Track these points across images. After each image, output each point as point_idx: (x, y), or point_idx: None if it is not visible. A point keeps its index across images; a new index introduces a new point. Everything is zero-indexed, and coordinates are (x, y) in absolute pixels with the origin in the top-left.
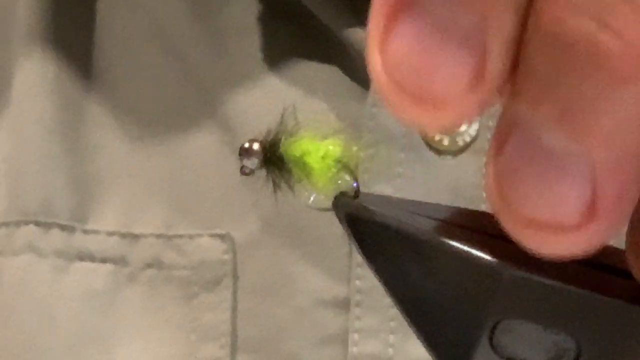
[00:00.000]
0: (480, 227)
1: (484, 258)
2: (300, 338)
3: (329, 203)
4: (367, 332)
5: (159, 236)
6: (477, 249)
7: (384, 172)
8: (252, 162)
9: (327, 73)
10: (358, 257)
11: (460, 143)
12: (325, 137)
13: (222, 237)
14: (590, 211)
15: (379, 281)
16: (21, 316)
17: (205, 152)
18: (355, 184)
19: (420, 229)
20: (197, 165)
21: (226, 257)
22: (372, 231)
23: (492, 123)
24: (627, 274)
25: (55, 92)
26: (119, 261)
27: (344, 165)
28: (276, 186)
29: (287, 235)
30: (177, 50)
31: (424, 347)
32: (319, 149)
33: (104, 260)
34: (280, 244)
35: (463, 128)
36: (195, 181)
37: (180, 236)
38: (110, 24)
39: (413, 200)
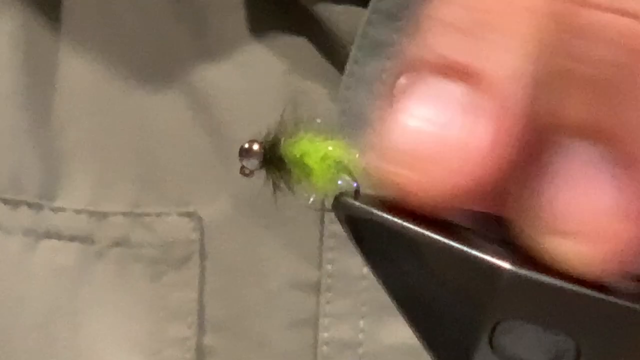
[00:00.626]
0: (480, 227)
1: (484, 258)
2: (269, 320)
3: (328, 204)
4: (338, 316)
5: (126, 214)
6: (477, 249)
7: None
8: (251, 163)
9: (303, 51)
10: (330, 241)
11: None
12: (325, 138)
13: (190, 215)
14: None
15: (379, 281)
16: None
17: (176, 128)
18: (355, 185)
19: (420, 229)
20: (167, 141)
21: (194, 235)
22: (372, 232)
23: None
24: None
25: (26, 65)
26: (87, 239)
27: (344, 166)
28: (276, 187)
29: (259, 215)
30: (152, 28)
31: (424, 347)
32: (318, 149)
33: (72, 239)
34: (252, 224)
35: None
36: (165, 157)
37: (148, 214)
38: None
39: None
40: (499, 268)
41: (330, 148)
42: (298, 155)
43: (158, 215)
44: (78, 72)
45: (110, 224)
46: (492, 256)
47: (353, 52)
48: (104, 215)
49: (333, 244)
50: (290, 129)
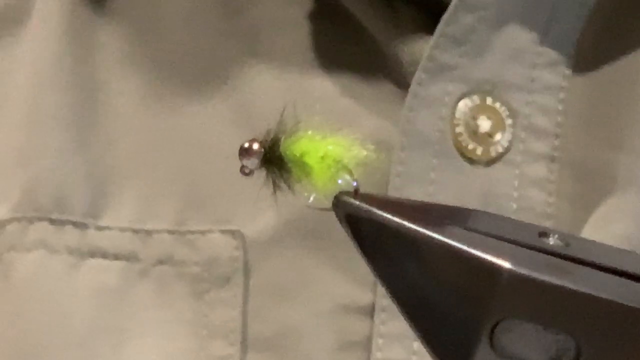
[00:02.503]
0: (479, 227)
1: (483, 257)
2: (318, 342)
3: (328, 203)
4: (392, 337)
5: (171, 232)
6: (477, 249)
7: (416, 176)
8: (251, 162)
9: (363, 74)
10: None
11: (493, 153)
12: (324, 137)
13: (232, 233)
14: None
15: (379, 281)
16: (32, 313)
17: (221, 145)
18: (354, 184)
19: (419, 229)
20: (212, 158)
21: (237, 253)
22: (372, 231)
23: (524, 135)
24: (628, 275)
25: (70, 83)
26: (131, 257)
27: (344, 165)
28: (276, 186)
29: (309, 236)
30: (202, 45)
31: (424, 346)
32: (318, 149)
33: (116, 257)
34: (300, 244)
35: (497, 137)
36: (209, 175)
37: (192, 232)
38: (127, 17)
39: (414, 200)
40: (498, 267)
41: (330, 147)
42: (298, 155)
43: (202, 232)
44: (124, 88)
45: (154, 242)
46: (492, 255)
47: (417, 74)
48: (148, 233)
49: None
50: (290, 128)
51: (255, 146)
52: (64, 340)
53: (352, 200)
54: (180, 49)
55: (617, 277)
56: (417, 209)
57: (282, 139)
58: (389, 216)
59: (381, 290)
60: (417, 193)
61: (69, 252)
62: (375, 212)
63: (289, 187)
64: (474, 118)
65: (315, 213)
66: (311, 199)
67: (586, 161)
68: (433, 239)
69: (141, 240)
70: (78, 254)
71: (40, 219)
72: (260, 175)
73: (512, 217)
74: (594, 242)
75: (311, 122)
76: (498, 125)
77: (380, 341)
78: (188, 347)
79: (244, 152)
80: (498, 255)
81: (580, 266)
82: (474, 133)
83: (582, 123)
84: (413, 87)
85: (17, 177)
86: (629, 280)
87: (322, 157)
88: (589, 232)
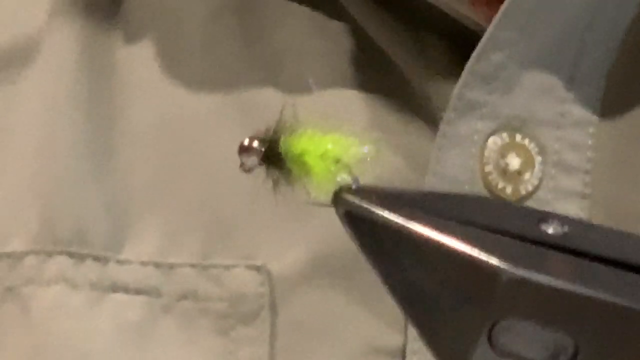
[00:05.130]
0: (478, 218)
1: (482, 260)
2: None
3: (328, 201)
4: None
5: (194, 266)
6: (477, 249)
7: None
8: (251, 160)
9: (392, 109)
10: None
11: (523, 191)
12: (324, 135)
13: (257, 268)
14: None
15: (379, 278)
16: (52, 349)
17: (245, 177)
18: (354, 182)
19: (419, 227)
20: (236, 190)
21: (262, 289)
22: (371, 229)
23: (554, 171)
24: (629, 267)
25: (87, 111)
26: (154, 292)
27: (344, 164)
28: (275, 184)
29: (339, 275)
30: (223, 71)
31: (424, 344)
32: (318, 147)
33: (138, 292)
34: (330, 283)
35: (525, 177)
36: (233, 207)
37: (216, 266)
38: (146, 43)
39: (413, 190)
40: (497, 268)
41: (330, 145)
42: (298, 153)
43: (226, 267)
44: (142, 117)
45: (177, 276)
46: (492, 255)
47: (447, 113)
48: (171, 267)
49: None
50: (289, 126)
51: (255, 144)
52: None
53: (352, 198)
54: (199, 74)
55: (616, 271)
56: (416, 201)
57: (282, 136)
58: (388, 215)
59: (412, 332)
60: None
61: (90, 287)
62: (375, 211)
63: (289, 185)
64: (503, 156)
65: (343, 249)
66: (311, 197)
67: (618, 199)
68: (432, 239)
69: (163, 275)
70: (99, 288)
71: (59, 253)
72: (293, 209)
73: None
74: (595, 226)
75: (311, 120)
76: (528, 163)
77: None
78: None
79: (244, 150)
80: (497, 257)
81: (579, 261)
82: (503, 172)
83: (613, 160)
84: (442, 126)
85: (33, 208)
86: (629, 273)
87: (322, 155)
88: None
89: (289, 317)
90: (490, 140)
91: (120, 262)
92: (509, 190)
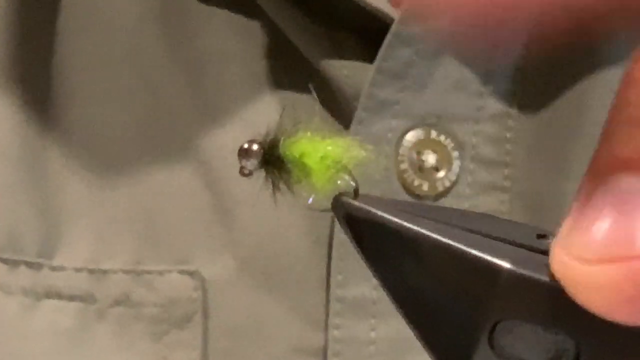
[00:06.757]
0: (479, 228)
1: (483, 257)
2: None
3: (327, 204)
4: None
5: (127, 272)
6: (477, 249)
7: None
8: (251, 163)
9: (308, 106)
10: (336, 305)
11: (440, 188)
12: (324, 138)
13: (191, 273)
14: None
15: (378, 282)
16: None
17: (177, 185)
18: (354, 184)
19: (419, 229)
20: (167, 198)
21: (195, 294)
22: (371, 232)
23: (472, 166)
24: None
25: (21, 119)
26: (87, 298)
27: (343, 166)
28: (275, 187)
29: (264, 277)
30: (148, 79)
31: (424, 347)
32: (317, 149)
33: (72, 298)
34: (256, 285)
35: (442, 173)
36: (165, 215)
37: (149, 272)
38: (78, 51)
39: (413, 202)
40: (498, 267)
41: (329, 148)
42: (297, 155)
43: (159, 273)
44: (75, 127)
45: (110, 282)
46: (492, 255)
47: (358, 113)
48: (104, 273)
49: (339, 308)
50: (289, 129)
51: (255, 147)
52: None
53: (352, 201)
54: (126, 83)
55: None
56: (416, 211)
57: (282, 139)
58: (388, 216)
59: (333, 334)
60: None
61: (24, 293)
62: (375, 213)
63: (288, 188)
64: (419, 153)
65: (266, 253)
66: (310, 200)
67: (537, 191)
68: (432, 239)
69: (97, 280)
70: (33, 294)
71: None
72: (220, 215)
73: None
74: None
75: (310, 123)
76: (444, 159)
77: None
78: None
79: (244, 153)
80: (497, 256)
81: None
82: (419, 169)
83: (531, 152)
84: (354, 126)
85: None
86: None
87: (322, 158)
88: None
89: (220, 320)
90: (405, 138)
91: (53, 268)
92: (425, 187)
